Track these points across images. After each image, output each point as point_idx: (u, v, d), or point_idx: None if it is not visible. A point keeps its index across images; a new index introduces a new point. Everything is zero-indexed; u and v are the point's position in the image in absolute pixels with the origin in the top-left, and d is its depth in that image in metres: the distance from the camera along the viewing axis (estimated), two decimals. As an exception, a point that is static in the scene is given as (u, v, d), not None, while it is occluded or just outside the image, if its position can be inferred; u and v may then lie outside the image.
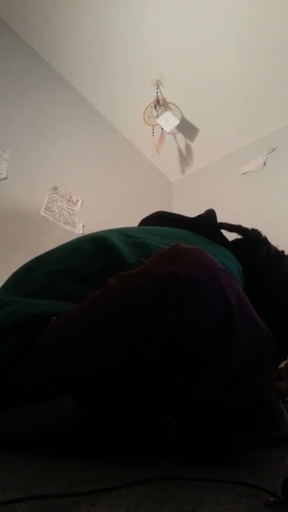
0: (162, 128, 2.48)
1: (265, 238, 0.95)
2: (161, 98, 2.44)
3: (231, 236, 0.92)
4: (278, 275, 0.88)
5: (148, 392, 0.53)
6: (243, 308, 0.52)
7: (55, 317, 0.58)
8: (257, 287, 0.82)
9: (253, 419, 0.54)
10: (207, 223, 0.87)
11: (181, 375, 0.50)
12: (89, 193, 2.48)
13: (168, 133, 2.60)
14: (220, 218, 0.91)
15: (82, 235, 2.29)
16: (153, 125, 2.53)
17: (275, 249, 0.94)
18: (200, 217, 0.89)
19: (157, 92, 2.41)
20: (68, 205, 2.37)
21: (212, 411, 0.53)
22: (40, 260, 0.77)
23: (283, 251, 0.95)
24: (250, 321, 0.53)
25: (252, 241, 0.92)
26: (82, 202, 2.43)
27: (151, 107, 2.48)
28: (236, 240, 0.94)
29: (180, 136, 2.67)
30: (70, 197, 2.39)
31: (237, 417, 0.53)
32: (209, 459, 0.53)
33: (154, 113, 2.48)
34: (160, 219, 0.93)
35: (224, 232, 0.89)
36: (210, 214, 0.90)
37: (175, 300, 0.47)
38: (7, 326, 0.58)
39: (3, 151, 2.13)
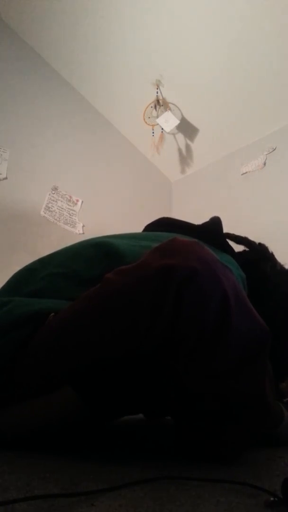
0: (162, 128, 2.48)
1: (272, 254, 0.93)
2: (161, 98, 2.44)
3: (236, 248, 0.91)
4: (281, 295, 0.86)
5: (148, 383, 0.53)
6: (240, 301, 0.52)
7: (53, 314, 0.58)
8: (258, 304, 0.81)
9: (248, 412, 0.54)
10: (213, 231, 0.86)
11: (179, 365, 0.50)
12: (89, 193, 2.48)
13: (168, 133, 2.60)
14: (221, 218, 0.90)
15: (82, 235, 2.29)
16: (153, 125, 2.53)
17: (281, 266, 0.92)
18: (206, 224, 0.89)
19: (157, 92, 2.41)
20: (68, 205, 2.37)
21: (209, 406, 0.53)
22: (42, 262, 0.77)
23: None
24: (247, 313, 0.53)
25: (258, 255, 0.91)
26: (82, 202, 2.43)
27: (151, 107, 2.47)
28: (241, 252, 0.92)
29: (180, 136, 2.67)
30: (70, 197, 2.39)
31: (232, 411, 0.53)
32: (207, 456, 0.54)
33: (154, 113, 2.48)
34: (165, 225, 0.92)
35: (230, 243, 0.88)
36: (216, 222, 0.89)
37: (173, 291, 0.48)
38: (6, 324, 0.58)
39: (3, 151, 2.13)
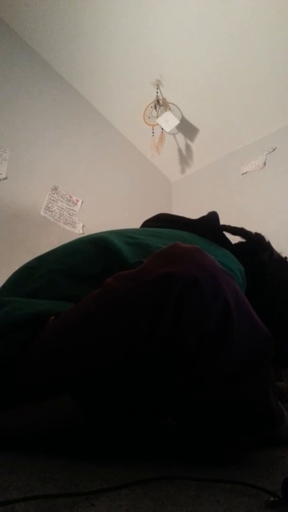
0: (162, 128, 2.48)
1: (268, 243, 0.94)
2: (161, 98, 2.44)
3: (233, 239, 0.91)
4: (279, 281, 0.87)
5: (149, 390, 0.53)
6: (242, 308, 0.52)
7: (53, 317, 0.58)
8: (257, 292, 0.82)
9: (252, 419, 0.54)
10: (209, 225, 0.87)
11: (180, 374, 0.50)
12: (89, 193, 2.47)
13: (168, 133, 2.60)
14: (220, 218, 0.90)
15: (82, 235, 2.29)
16: (153, 125, 2.53)
17: (278, 254, 0.93)
18: (202, 218, 0.89)
19: (157, 92, 2.41)
20: (68, 205, 2.37)
21: (212, 411, 0.53)
22: (40, 260, 0.77)
23: (286, 258, 0.94)
24: (249, 321, 0.53)
25: (255, 245, 0.92)
26: (82, 202, 2.43)
27: (151, 107, 2.47)
28: (238, 243, 0.93)
29: (180, 136, 2.67)
30: (70, 197, 2.39)
31: (237, 418, 0.53)
32: (209, 459, 0.54)
33: (154, 113, 2.48)
34: (162, 221, 0.92)
35: (227, 235, 0.89)
36: (212, 216, 0.89)
37: (173, 299, 0.48)
38: (6, 326, 0.58)
39: (3, 151, 2.13)
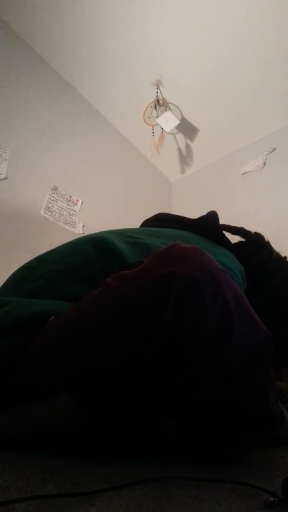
0: (162, 128, 2.48)
1: (268, 243, 0.94)
2: (161, 98, 2.44)
3: (233, 238, 0.92)
4: (279, 281, 0.88)
5: (149, 391, 0.53)
6: (242, 308, 0.52)
7: (53, 317, 0.58)
8: (257, 292, 0.82)
9: (253, 419, 0.53)
10: (209, 225, 0.87)
11: (180, 374, 0.50)
12: (89, 193, 2.48)
13: (168, 133, 2.60)
14: (220, 218, 0.90)
15: (82, 235, 2.29)
16: (153, 125, 2.53)
17: (278, 254, 0.93)
18: (202, 218, 0.89)
19: (157, 92, 2.41)
20: (68, 205, 2.37)
21: (212, 411, 0.53)
22: (40, 260, 0.77)
23: (285, 257, 0.94)
24: (249, 321, 0.53)
25: (254, 244, 0.92)
26: (82, 202, 2.43)
27: (151, 107, 2.47)
28: (238, 243, 0.93)
29: (180, 136, 2.67)
30: (70, 197, 2.39)
31: (237, 418, 0.53)
32: (209, 459, 0.54)
33: (154, 113, 2.48)
34: (162, 221, 0.92)
35: (227, 234, 0.89)
36: (212, 216, 0.89)
37: (173, 299, 0.48)
38: (6, 326, 0.58)
39: (3, 151, 2.13)
